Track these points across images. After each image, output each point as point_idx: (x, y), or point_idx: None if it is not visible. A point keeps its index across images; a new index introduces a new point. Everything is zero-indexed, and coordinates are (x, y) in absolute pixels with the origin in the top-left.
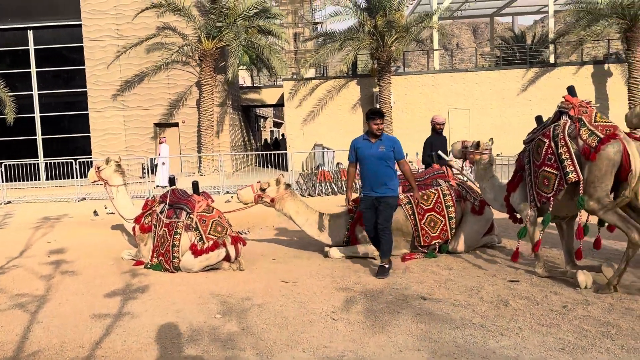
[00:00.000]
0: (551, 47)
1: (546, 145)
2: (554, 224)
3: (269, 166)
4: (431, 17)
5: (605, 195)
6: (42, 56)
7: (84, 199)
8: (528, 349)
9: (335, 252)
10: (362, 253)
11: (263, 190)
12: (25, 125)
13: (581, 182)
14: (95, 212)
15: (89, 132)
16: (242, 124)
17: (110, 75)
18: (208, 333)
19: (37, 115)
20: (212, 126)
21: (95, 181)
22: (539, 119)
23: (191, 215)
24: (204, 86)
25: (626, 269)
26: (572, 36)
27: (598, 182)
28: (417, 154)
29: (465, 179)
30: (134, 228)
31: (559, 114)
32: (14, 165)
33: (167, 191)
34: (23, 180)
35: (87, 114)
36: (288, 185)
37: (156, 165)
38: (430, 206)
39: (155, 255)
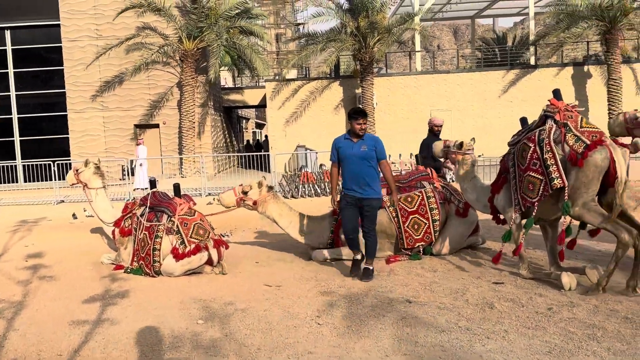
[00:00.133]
0: (532, 49)
1: (531, 149)
2: (537, 226)
3: (252, 168)
4: (413, 18)
5: (591, 200)
6: (20, 56)
7: (63, 201)
8: (515, 352)
9: (319, 254)
10: (346, 255)
11: (245, 193)
12: (2, 127)
13: (566, 188)
14: (74, 215)
15: (68, 134)
16: (224, 125)
17: (89, 75)
18: (190, 339)
19: (14, 116)
20: (194, 127)
21: (74, 184)
22: (523, 120)
23: (172, 218)
24: (185, 87)
25: (615, 269)
26: (552, 38)
27: (584, 188)
28: (399, 155)
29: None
30: (113, 231)
31: (544, 117)
32: None
33: (148, 194)
34: (0, 183)
35: (66, 115)
36: (270, 188)
37: (134, 167)
38: (414, 208)
39: (135, 260)
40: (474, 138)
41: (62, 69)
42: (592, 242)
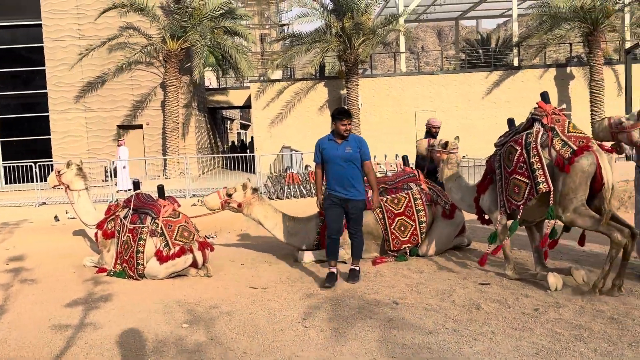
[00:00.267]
0: (515, 50)
1: (518, 153)
2: (522, 226)
3: (237, 169)
4: (397, 19)
5: (582, 205)
6: (1, 56)
7: (45, 203)
8: (502, 354)
9: (305, 256)
10: None
11: (229, 195)
12: None
13: (552, 193)
14: (56, 217)
15: (50, 135)
16: (209, 125)
17: (71, 76)
18: (174, 343)
19: None
20: (178, 128)
21: (55, 185)
22: (510, 121)
23: (156, 221)
24: (169, 87)
25: (610, 270)
26: (535, 39)
27: (573, 194)
28: (385, 155)
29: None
30: (96, 234)
31: (531, 120)
32: None
33: (131, 195)
34: None
35: (48, 115)
36: (255, 190)
37: (115, 168)
38: (401, 210)
39: (118, 262)
40: (458, 137)
41: (44, 69)
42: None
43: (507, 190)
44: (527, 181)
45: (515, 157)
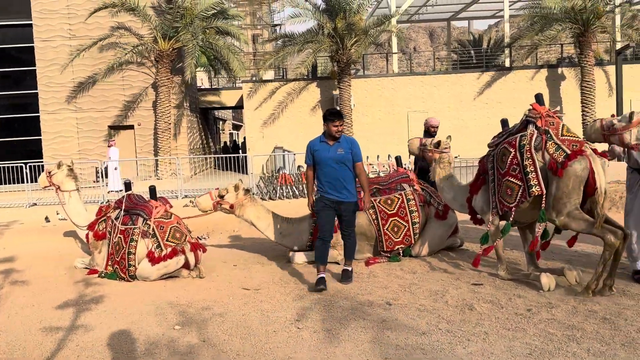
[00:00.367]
0: (506, 51)
1: (512, 155)
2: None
3: (229, 169)
4: (390, 20)
5: (575, 208)
6: None
7: (35, 204)
8: (496, 354)
9: (298, 257)
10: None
11: (221, 196)
12: None
13: (544, 196)
14: (46, 218)
15: (40, 135)
16: (201, 126)
17: (62, 76)
18: (166, 345)
19: None
20: (169, 129)
21: (46, 186)
22: (504, 122)
23: (148, 222)
24: (161, 87)
25: (604, 270)
26: (526, 40)
27: (566, 198)
28: (377, 156)
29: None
30: (87, 235)
31: (525, 122)
32: None
33: (123, 196)
34: None
35: (38, 116)
36: (247, 191)
37: (106, 168)
38: (394, 211)
39: (110, 264)
40: (450, 136)
41: (35, 70)
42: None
43: (500, 191)
44: (520, 184)
45: (509, 159)
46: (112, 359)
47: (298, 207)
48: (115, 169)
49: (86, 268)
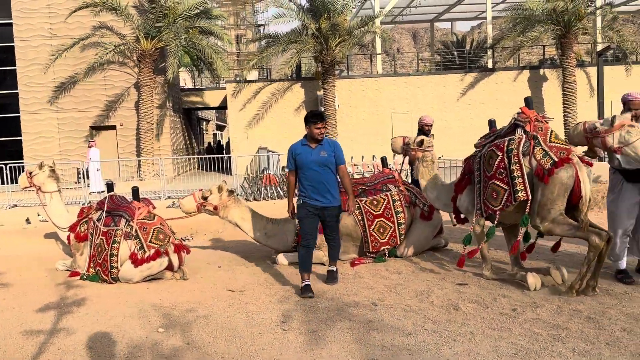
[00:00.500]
0: (489, 52)
1: (499, 158)
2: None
3: (213, 170)
4: (374, 21)
5: (559, 214)
6: None
7: (16, 205)
8: (482, 355)
9: (283, 258)
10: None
11: (205, 198)
12: None
13: (529, 201)
14: (27, 220)
15: (21, 136)
16: (184, 126)
17: (43, 76)
18: (150, 349)
19: None
20: (152, 129)
21: (26, 187)
22: (491, 122)
23: (131, 223)
24: (143, 87)
25: (589, 271)
26: (508, 41)
27: (551, 204)
28: (362, 157)
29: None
30: (68, 237)
31: (514, 126)
32: None
33: (105, 197)
34: None
35: (19, 116)
36: (231, 192)
37: (86, 169)
38: (380, 212)
39: (92, 266)
40: (433, 135)
41: (15, 69)
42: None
43: (486, 194)
44: (506, 187)
45: (496, 163)
46: None
47: (283, 208)
48: (97, 170)
49: (68, 270)
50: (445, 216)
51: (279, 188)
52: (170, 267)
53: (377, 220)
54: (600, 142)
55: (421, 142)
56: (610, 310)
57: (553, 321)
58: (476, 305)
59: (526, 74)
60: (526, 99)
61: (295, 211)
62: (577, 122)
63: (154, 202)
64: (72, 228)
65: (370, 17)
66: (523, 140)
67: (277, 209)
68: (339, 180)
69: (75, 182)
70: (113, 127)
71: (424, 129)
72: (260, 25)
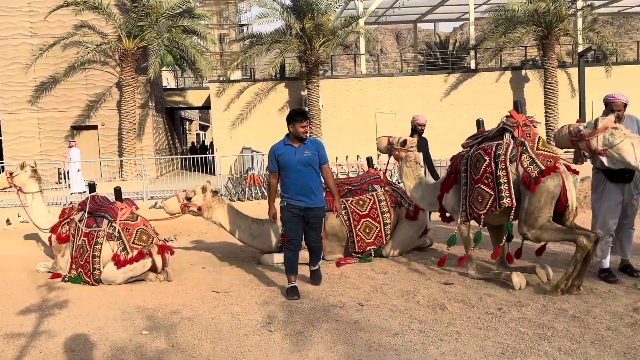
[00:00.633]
0: (472, 53)
1: (486, 163)
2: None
3: (196, 170)
4: (358, 21)
5: (547, 221)
6: None
7: None
8: (469, 354)
9: (268, 258)
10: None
11: (189, 199)
12: None
13: (513, 208)
14: (7, 221)
15: (0, 136)
16: (167, 126)
17: (23, 75)
18: (134, 351)
19: None
20: (134, 129)
21: (5, 188)
22: (479, 122)
23: (113, 224)
24: (125, 87)
25: (575, 272)
26: (490, 42)
27: (538, 212)
28: (347, 157)
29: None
30: (50, 238)
31: (502, 130)
32: None
33: (87, 198)
34: None
35: None
36: (215, 192)
37: (68, 171)
38: (366, 212)
39: (73, 267)
40: (417, 134)
41: None
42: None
43: (471, 197)
44: (492, 193)
45: (483, 167)
46: None
47: (267, 209)
48: (78, 170)
49: (49, 272)
50: (434, 216)
51: (263, 188)
52: (153, 268)
53: (363, 220)
54: (585, 145)
55: (404, 142)
56: (595, 309)
57: (539, 320)
58: (462, 304)
59: (508, 74)
60: (515, 103)
61: (277, 214)
62: (558, 122)
63: (136, 202)
64: (53, 229)
65: (354, 17)
66: (511, 147)
67: (262, 209)
68: (323, 180)
69: (56, 183)
70: (94, 127)
71: (417, 129)
72: (243, 25)
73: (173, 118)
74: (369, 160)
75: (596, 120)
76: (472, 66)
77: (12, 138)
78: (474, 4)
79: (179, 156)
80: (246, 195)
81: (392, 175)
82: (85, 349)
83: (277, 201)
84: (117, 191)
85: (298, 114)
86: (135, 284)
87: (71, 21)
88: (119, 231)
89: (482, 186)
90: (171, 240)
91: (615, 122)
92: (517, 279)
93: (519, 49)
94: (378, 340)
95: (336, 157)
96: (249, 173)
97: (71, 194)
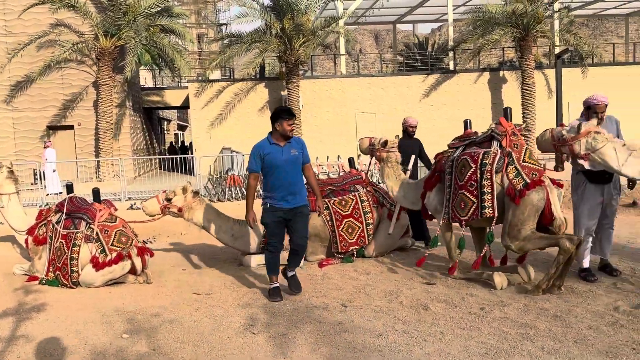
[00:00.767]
0: (450, 54)
1: (472, 170)
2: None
3: (175, 171)
4: (338, 21)
5: (531, 232)
6: None
7: None
8: (453, 354)
9: (250, 260)
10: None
11: (169, 200)
12: None
13: (495, 218)
14: None
15: None
16: (145, 126)
17: None
18: (114, 355)
19: None
20: (111, 129)
21: None
22: (466, 123)
23: (92, 225)
24: (102, 86)
25: (557, 273)
26: (469, 44)
27: (521, 225)
28: (327, 157)
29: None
30: (26, 240)
31: (490, 137)
32: None
33: (64, 199)
34: None
35: None
36: (196, 193)
37: (43, 171)
38: (349, 212)
39: (51, 270)
40: (398, 135)
41: None
42: None
43: (454, 201)
44: (475, 201)
45: (468, 174)
46: None
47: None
48: (54, 170)
49: (26, 275)
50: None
51: (243, 188)
52: (133, 270)
53: (345, 220)
54: (568, 150)
55: (385, 143)
56: (576, 308)
57: (521, 320)
58: (445, 304)
59: (486, 75)
60: (505, 110)
61: (256, 218)
62: (535, 122)
63: (114, 203)
64: (30, 231)
65: (334, 17)
66: (498, 157)
67: (243, 209)
68: (305, 179)
69: (32, 184)
70: (71, 127)
71: (408, 131)
72: (222, 24)
73: (151, 118)
74: (351, 161)
75: (579, 125)
76: (451, 67)
77: None
78: (453, 5)
79: (157, 156)
80: (226, 196)
81: (372, 175)
82: (64, 353)
83: (257, 203)
84: (96, 192)
85: (285, 112)
86: (114, 286)
87: (47, 19)
88: (97, 233)
89: (465, 193)
90: (150, 242)
91: (598, 124)
92: (499, 278)
93: (497, 51)
94: (362, 342)
95: (317, 157)
96: (229, 174)
97: (47, 194)
